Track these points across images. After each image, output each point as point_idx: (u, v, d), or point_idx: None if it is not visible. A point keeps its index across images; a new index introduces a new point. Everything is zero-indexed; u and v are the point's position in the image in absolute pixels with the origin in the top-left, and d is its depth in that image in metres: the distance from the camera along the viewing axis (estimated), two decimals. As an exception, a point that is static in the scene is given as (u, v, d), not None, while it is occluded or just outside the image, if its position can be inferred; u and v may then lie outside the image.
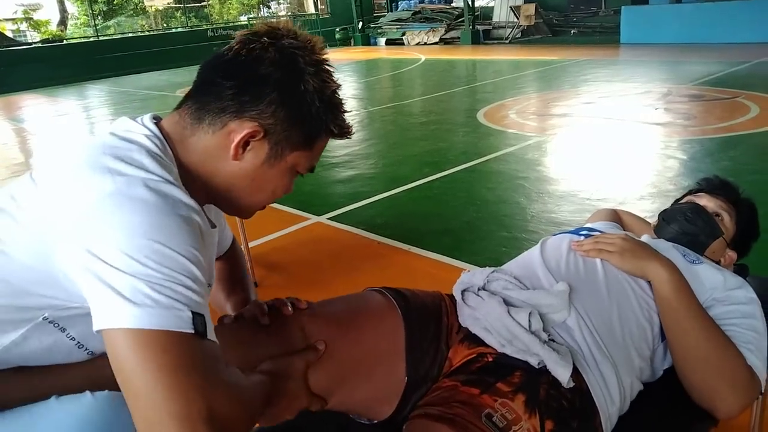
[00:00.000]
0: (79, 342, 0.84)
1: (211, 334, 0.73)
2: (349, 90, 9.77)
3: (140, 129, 0.84)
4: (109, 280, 0.67)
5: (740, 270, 1.40)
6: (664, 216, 1.42)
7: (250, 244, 3.00)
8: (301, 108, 0.86)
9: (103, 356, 0.84)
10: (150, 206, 0.71)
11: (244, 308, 1.08)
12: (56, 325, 0.81)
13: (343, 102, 0.92)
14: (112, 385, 0.80)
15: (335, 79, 0.90)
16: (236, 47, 0.85)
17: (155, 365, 0.66)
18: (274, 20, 0.91)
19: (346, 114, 0.93)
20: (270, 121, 0.84)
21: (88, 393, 0.82)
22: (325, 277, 2.90)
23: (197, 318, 0.70)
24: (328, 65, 0.89)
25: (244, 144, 0.85)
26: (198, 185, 0.87)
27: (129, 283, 0.67)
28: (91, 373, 0.85)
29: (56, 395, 0.82)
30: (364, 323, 1.07)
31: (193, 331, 0.69)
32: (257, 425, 1.00)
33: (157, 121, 0.89)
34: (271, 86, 0.83)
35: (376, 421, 1.06)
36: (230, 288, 1.18)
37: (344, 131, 0.93)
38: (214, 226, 0.95)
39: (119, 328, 0.67)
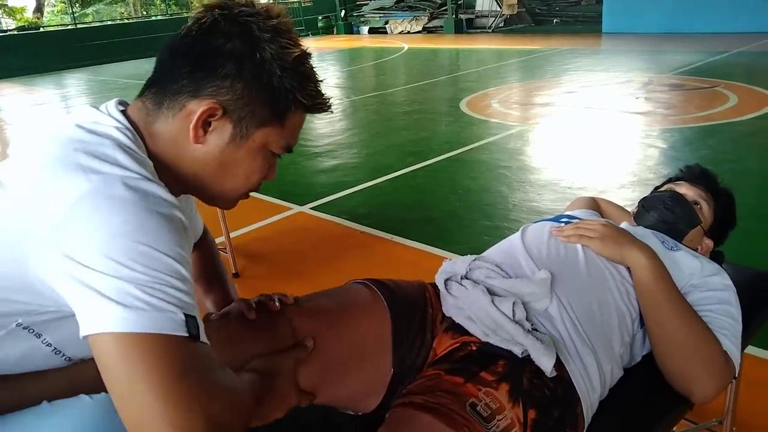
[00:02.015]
0: (55, 348, 0.80)
1: (203, 336, 0.69)
2: (332, 79, 9.70)
3: (108, 120, 0.78)
4: (93, 285, 0.63)
5: (716, 257, 1.41)
6: (644, 203, 1.43)
7: (231, 234, 2.97)
8: (261, 78, 0.79)
9: (82, 361, 0.82)
10: (130, 206, 0.66)
11: (229, 305, 1.03)
12: (31, 330, 0.77)
13: (312, 70, 0.84)
14: (93, 389, 0.78)
15: (300, 45, 0.82)
16: (189, 24, 0.80)
17: (150, 371, 0.62)
18: None
19: (318, 84, 0.85)
20: (228, 96, 0.78)
21: (84, 396, 0.78)
22: (307, 267, 2.87)
23: (190, 320, 0.66)
24: (288, 30, 0.81)
25: (204, 125, 0.79)
26: (169, 176, 0.81)
27: (116, 286, 0.63)
28: (71, 377, 0.81)
29: (46, 401, 0.77)
30: (351, 318, 1.05)
31: (187, 334, 0.65)
32: None
33: (123, 107, 0.83)
34: (224, 58, 0.77)
35: (361, 414, 1.05)
36: (208, 283, 1.15)
37: (318, 103, 0.85)
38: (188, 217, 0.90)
39: (109, 332, 0.62)
